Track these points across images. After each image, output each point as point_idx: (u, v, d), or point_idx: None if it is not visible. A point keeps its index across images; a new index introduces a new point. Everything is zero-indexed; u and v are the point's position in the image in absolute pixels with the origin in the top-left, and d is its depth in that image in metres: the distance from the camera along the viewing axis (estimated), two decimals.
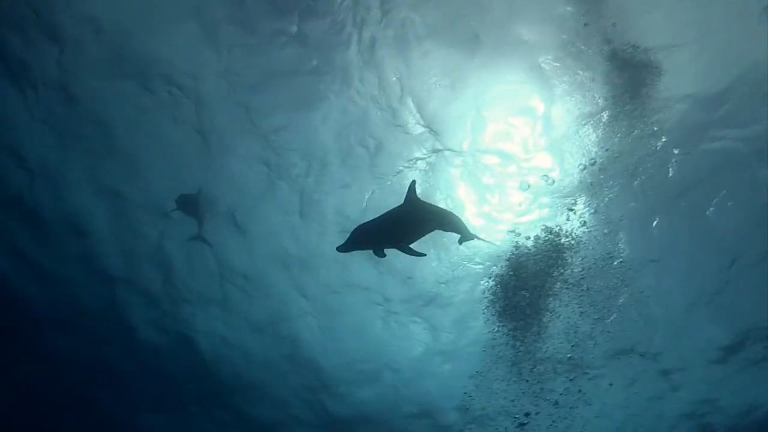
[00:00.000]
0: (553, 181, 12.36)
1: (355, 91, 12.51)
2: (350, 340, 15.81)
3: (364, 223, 7.75)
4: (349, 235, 7.51)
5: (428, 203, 8.75)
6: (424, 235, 8.09)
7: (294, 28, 11.96)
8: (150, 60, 12.46)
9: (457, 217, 9.02)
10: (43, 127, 13.43)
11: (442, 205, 13.11)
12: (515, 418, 14.56)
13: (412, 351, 15.76)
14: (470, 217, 13.19)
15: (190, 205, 14.04)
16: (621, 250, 13.00)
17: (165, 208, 14.12)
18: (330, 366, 16.25)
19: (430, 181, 13.17)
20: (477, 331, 14.27)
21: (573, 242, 12.12)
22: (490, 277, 12.85)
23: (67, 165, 13.98)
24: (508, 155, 12.62)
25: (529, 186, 12.56)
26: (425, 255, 7.72)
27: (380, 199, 13.34)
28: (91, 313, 16.30)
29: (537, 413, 14.34)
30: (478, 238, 9.48)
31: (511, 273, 12.17)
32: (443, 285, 14.35)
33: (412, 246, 7.77)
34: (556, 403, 14.30)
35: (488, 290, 12.71)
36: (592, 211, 12.34)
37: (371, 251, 7.71)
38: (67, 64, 12.56)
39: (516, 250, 12.12)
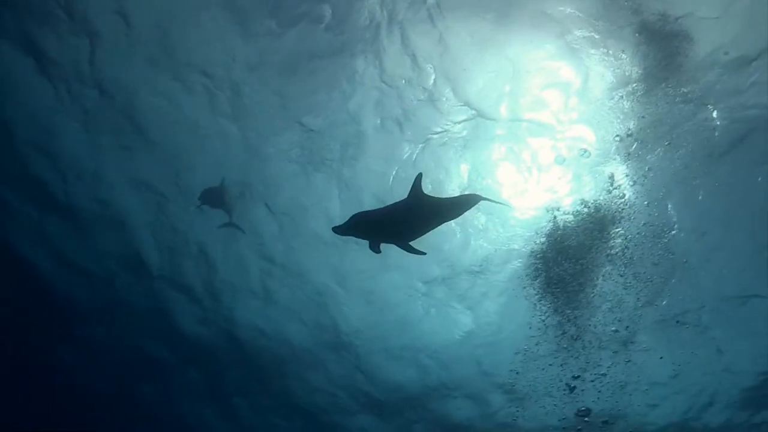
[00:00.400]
0: (590, 154, 12.65)
1: (387, 72, 12.91)
2: (390, 325, 16.28)
3: (363, 212, 7.69)
4: (348, 218, 7.45)
5: (435, 197, 8.30)
6: (428, 232, 7.90)
7: (326, 14, 12.39)
8: (181, 52, 13.01)
9: (474, 196, 8.83)
10: (77, 124, 14.08)
11: (476, 181, 13.60)
12: (566, 384, 15.01)
13: (452, 334, 16.15)
14: (506, 193, 13.65)
15: (216, 197, 14.39)
16: (669, 222, 13.24)
17: (197, 202, 14.55)
18: (370, 351, 16.77)
19: (466, 157, 13.58)
20: (519, 311, 14.54)
21: (614, 215, 12.49)
22: (530, 254, 13.24)
23: (102, 161, 14.61)
24: (543, 127, 12.91)
25: (564, 159, 12.90)
26: (425, 254, 7.65)
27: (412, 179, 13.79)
28: (132, 307, 17.07)
29: (591, 381, 14.67)
30: (493, 201, 9.57)
31: (552, 248, 12.65)
32: (478, 271, 14.77)
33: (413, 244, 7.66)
34: (604, 375, 14.68)
35: (530, 266, 13.20)
36: (632, 182, 12.57)
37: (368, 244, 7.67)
38: (98, 59, 13.13)
39: (554, 224, 12.61)
